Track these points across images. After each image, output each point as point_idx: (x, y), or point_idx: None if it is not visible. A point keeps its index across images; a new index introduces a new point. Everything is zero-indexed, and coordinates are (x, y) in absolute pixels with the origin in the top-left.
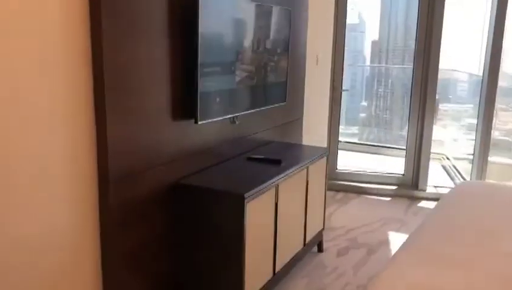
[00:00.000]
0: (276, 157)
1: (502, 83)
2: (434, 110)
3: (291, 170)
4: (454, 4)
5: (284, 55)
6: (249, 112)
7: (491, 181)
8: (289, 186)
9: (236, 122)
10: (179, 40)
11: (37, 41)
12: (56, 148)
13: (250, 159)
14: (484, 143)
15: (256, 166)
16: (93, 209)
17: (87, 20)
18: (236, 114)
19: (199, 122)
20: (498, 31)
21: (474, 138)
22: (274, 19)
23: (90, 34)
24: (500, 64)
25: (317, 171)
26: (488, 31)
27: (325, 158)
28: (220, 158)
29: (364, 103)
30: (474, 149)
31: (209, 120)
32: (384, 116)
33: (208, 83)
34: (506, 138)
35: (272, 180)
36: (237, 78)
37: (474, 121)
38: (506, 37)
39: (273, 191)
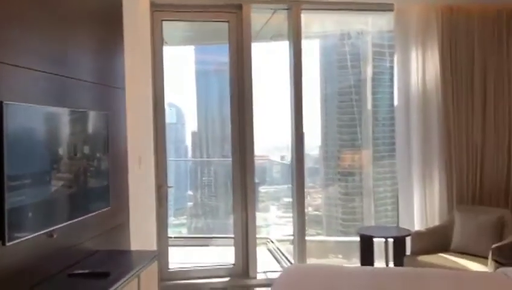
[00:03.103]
0: (103, 269)
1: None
2: (255, 197)
3: (121, 282)
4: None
5: (104, 159)
6: (69, 222)
7: (314, 263)
8: None
9: (55, 236)
10: None
11: None
12: None
13: (72, 275)
14: (301, 224)
15: (81, 283)
16: None
17: None
18: (54, 227)
19: (7, 244)
20: (298, 117)
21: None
22: (90, 124)
23: None
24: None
25: (150, 276)
26: (291, 118)
27: (156, 262)
28: (35, 279)
29: (190, 192)
30: (294, 231)
31: (21, 239)
32: (210, 202)
33: (17, 198)
34: (317, 212)
35: None
36: (53, 188)
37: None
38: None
39: None
